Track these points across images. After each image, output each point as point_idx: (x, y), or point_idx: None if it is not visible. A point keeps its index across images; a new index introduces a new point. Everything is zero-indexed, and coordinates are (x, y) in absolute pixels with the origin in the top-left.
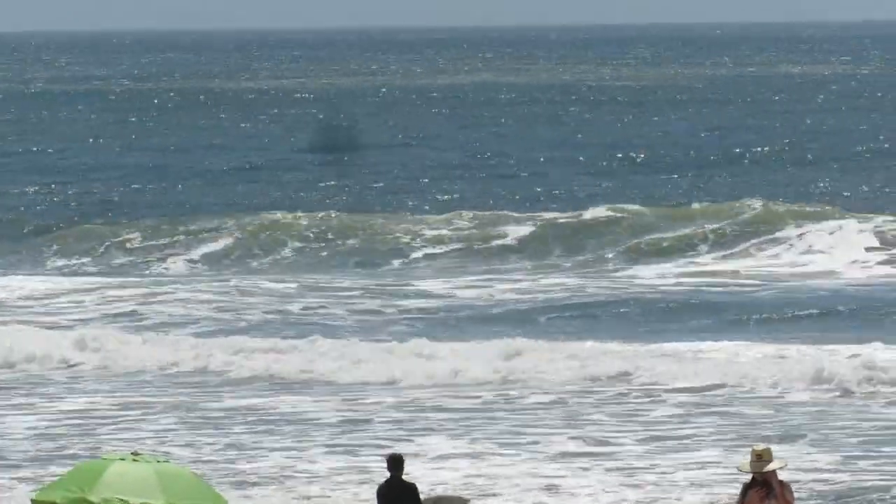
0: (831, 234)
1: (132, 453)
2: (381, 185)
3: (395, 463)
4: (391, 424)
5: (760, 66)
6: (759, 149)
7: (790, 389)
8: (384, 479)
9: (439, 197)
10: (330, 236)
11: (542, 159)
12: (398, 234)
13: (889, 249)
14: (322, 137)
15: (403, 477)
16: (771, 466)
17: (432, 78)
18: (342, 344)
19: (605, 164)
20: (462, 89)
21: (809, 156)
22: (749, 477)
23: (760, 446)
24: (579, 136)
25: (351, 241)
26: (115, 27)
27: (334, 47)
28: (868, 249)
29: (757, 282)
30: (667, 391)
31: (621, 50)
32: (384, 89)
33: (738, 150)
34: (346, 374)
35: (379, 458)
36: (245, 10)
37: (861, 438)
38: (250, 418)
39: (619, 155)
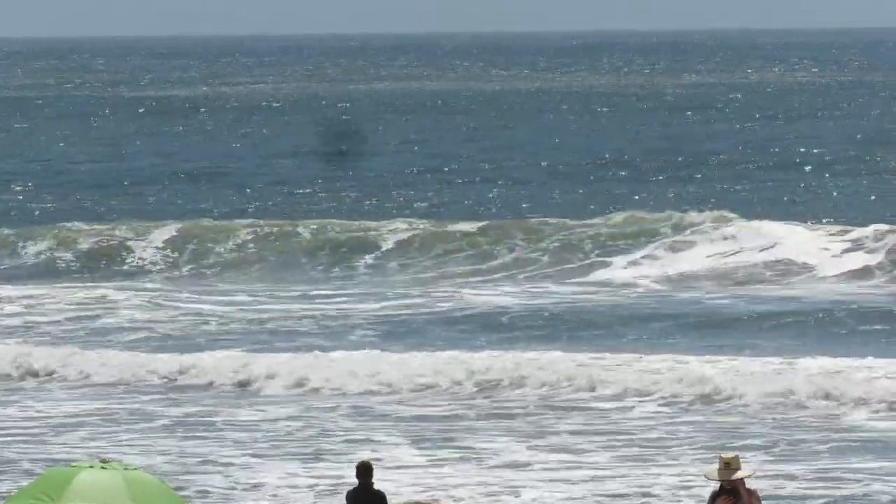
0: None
1: (100, 461)
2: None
3: (365, 470)
4: (346, 433)
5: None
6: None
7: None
8: (352, 487)
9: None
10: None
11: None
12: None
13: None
14: (323, 141)
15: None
16: (739, 474)
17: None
18: (305, 352)
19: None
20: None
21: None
22: (717, 485)
23: (728, 454)
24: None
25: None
26: (116, 33)
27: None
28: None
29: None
30: (641, 401)
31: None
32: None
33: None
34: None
35: (337, 467)
36: (243, 13)
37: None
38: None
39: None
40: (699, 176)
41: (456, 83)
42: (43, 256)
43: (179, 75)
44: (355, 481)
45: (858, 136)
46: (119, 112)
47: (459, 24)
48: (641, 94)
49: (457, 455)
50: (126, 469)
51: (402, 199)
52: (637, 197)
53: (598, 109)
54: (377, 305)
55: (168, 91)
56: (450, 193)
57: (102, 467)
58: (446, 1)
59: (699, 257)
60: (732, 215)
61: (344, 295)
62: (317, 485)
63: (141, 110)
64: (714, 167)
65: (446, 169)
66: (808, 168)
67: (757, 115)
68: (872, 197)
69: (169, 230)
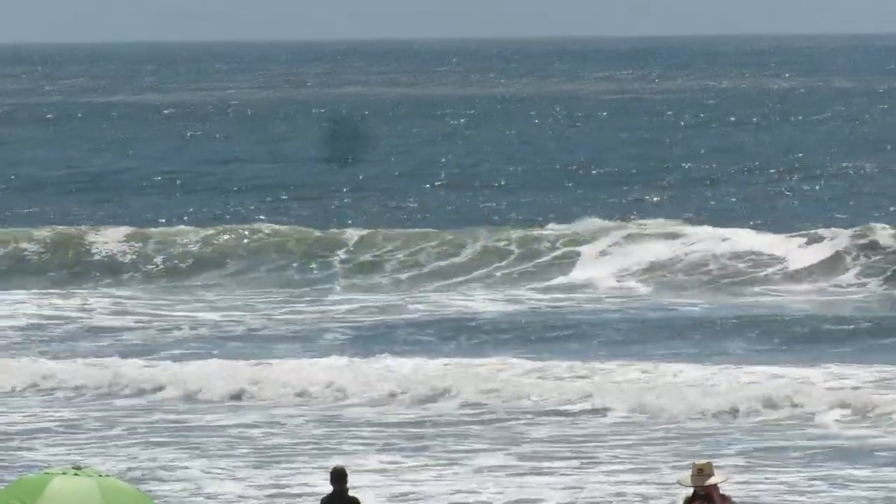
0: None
1: (74, 467)
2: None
3: (339, 476)
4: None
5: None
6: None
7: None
8: (327, 494)
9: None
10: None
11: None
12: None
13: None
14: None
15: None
16: (712, 480)
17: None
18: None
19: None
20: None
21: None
22: (690, 491)
23: (701, 460)
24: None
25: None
26: (116, 34)
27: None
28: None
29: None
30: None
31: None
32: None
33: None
34: (268, 390)
35: (302, 474)
36: (243, 13)
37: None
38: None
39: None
40: (667, 182)
41: (426, 89)
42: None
43: (152, 81)
44: (320, 489)
45: (823, 142)
46: (88, 118)
47: (462, 30)
48: (616, 99)
49: (425, 463)
50: (100, 476)
51: (380, 206)
52: (606, 201)
53: (576, 115)
54: (344, 309)
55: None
56: (424, 199)
57: (76, 474)
58: (449, 4)
59: (658, 262)
60: (688, 221)
61: (313, 300)
62: (279, 493)
63: (114, 114)
64: (676, 172)
65: (422, 174)
66: (771, 172)
67: (731, 120)
68: (827, 200)
69: (120, 232)
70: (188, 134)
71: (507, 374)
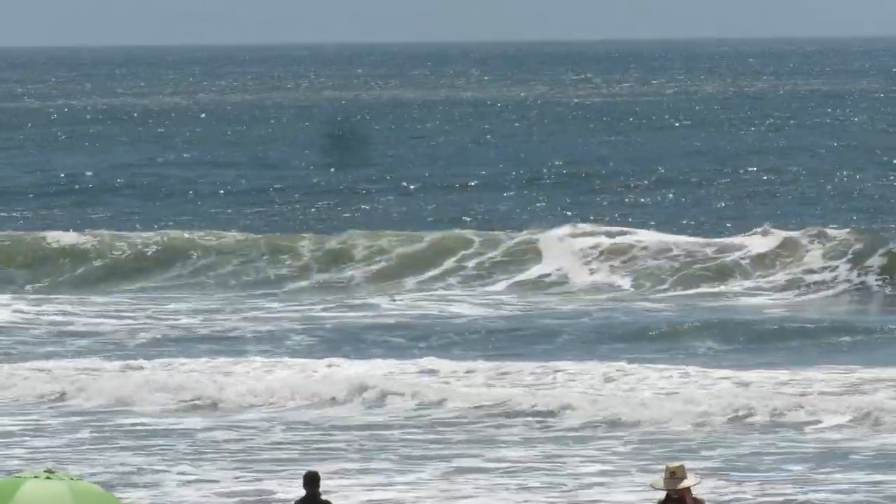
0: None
1: (46, 471)
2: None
3: (312, 480)
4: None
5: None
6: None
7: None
8: (299, 497)
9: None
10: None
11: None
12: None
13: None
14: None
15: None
16: (685, 483)
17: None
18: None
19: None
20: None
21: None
22: (663, 494)
23: (674, 463)
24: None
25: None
26: (116, 35)
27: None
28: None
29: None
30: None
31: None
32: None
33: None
34: (230, 393)
35: (275, 479)
36: (243, 13)
37: None
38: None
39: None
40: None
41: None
42: None
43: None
44: (282, 494)
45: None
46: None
47: (464, 34)
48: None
49: (392, 467)
50: (72, 479)
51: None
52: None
53: (544, 121)
54: (306, 310)
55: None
56: (387, 203)
57: (48, 477)
58: (453, 8)
59: (583, 268)
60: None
61: (274, 303)
62: (246, 497)
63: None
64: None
65: (388, 177)
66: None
67: (676, 125)
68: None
69: (72, 237)
70: (155, 136)
71: (476, 377)
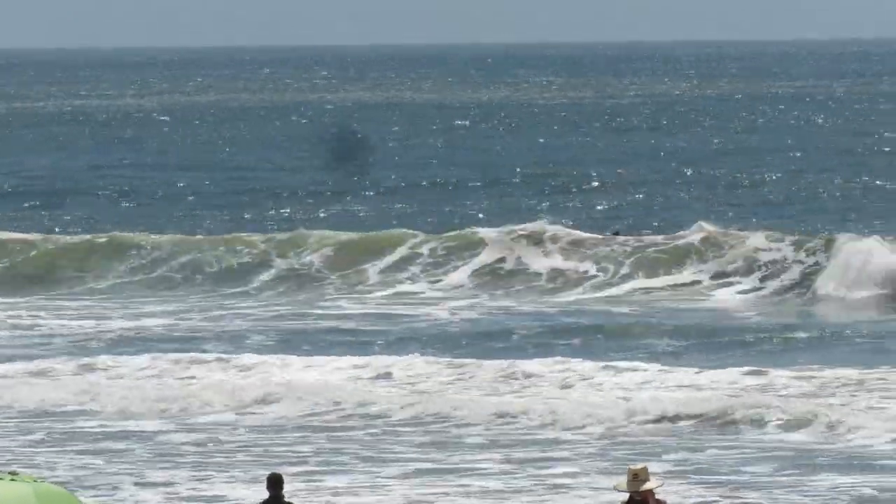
0: None
1: (10, 473)
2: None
3: (275, 482)
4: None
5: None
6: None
7: None
8: (263, 500)
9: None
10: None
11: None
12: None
13: None
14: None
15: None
16: (648, 485)
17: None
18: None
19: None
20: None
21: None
22: (626, 496)
23: (637, 465)
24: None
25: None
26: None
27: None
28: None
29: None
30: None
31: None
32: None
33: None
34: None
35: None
36: (243, 13)
37: None
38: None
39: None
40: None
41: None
42: None
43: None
44: (243, 499)
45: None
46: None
47: (462, 34)
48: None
49: (354, 469)
50: (36, 482)
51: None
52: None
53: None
54: (257, 313)
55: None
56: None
57: (12, 479)
58: (451, 6)
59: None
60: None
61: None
62: (201, 501)
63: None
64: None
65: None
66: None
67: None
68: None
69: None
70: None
71: (436, 378)
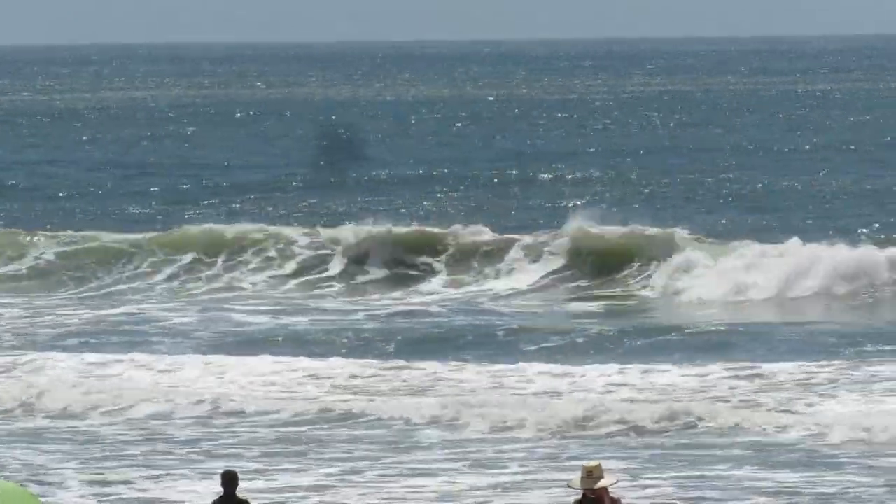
0: None
1: None
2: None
3: (230, 480)
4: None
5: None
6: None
7: None
8: (217, 497)
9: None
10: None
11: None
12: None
13: None
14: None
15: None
16: (602, 483)
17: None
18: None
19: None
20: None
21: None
22: (580, 494)
23: (591, 463)
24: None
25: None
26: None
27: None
28: None
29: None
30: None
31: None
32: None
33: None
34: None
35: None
36: (243, 13)
37: None
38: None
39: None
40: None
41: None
42: None
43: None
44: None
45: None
46: None
47: (463, 32)
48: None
49: (293, 466)
50: None
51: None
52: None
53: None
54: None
55: None
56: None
57: None
58: (452, 4)
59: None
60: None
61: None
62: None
63: None
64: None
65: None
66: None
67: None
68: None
69: None
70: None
71: (373, 380)
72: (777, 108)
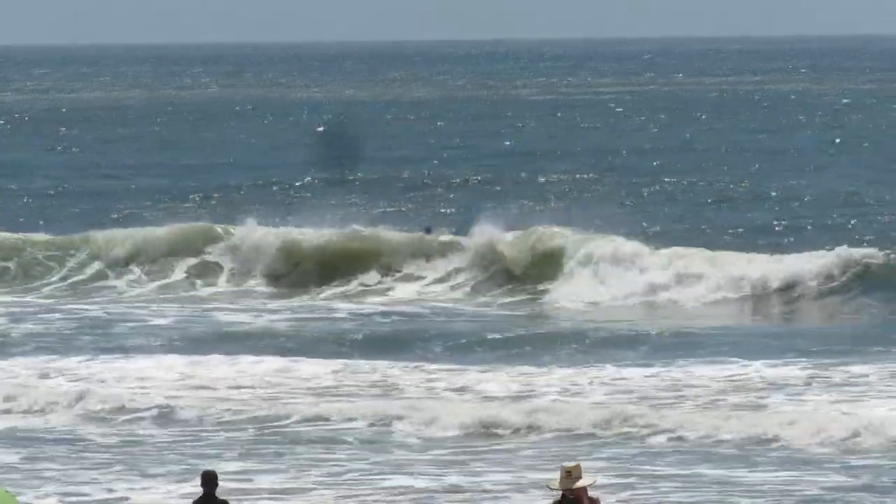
0: None
1: None
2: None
3: (210, 480)
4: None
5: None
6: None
7: None
8: (197, 497)
9: None
10: None
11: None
12: None
13: None
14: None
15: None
16: (581, 483)
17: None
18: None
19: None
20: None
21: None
22: (559, 494)
23: (570, 463)
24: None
25: None
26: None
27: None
28: None
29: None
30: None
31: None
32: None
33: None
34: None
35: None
36: (243, 13)
37: None
38: None
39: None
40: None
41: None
42: None
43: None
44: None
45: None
46: None
47: (462, 31)
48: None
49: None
50: None
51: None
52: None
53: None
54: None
55: None
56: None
57: None
58: (453, 4)
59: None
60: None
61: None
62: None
63: None
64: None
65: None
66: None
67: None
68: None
69: None
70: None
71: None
72: (728, 109)
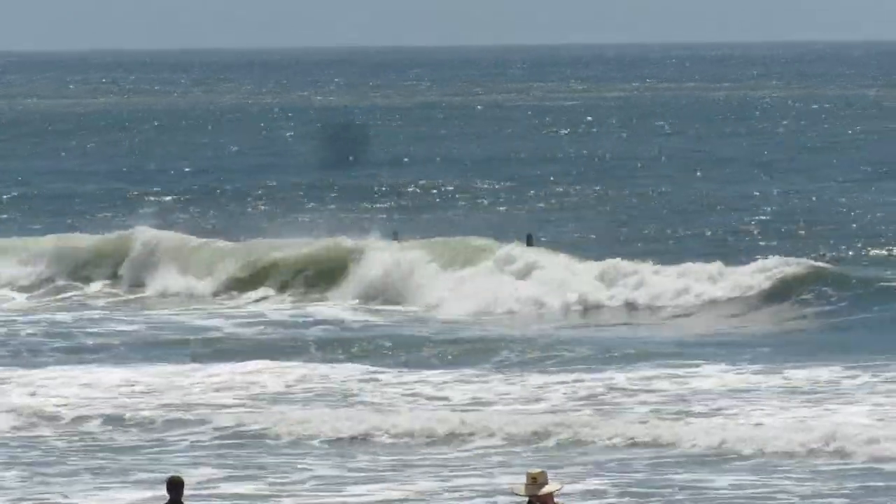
0: None
1: None
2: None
3: (175, 485)
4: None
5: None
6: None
7: None
8: (164, 502)
9: None
10: None
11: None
12: None
13: None
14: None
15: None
16: (546, 489)
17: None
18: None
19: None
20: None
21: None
22: (525, 500)
23: (535, 469)
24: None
25: None
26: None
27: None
28: None
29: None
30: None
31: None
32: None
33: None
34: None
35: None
36: (243, 13)
37: None
38: None
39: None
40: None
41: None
42: None
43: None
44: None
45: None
46: None
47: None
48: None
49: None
50: None
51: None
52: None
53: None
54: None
55: None
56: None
57: None
58: (454, 6)
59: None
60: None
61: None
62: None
63: None
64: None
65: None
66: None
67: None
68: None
69: None
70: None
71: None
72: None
